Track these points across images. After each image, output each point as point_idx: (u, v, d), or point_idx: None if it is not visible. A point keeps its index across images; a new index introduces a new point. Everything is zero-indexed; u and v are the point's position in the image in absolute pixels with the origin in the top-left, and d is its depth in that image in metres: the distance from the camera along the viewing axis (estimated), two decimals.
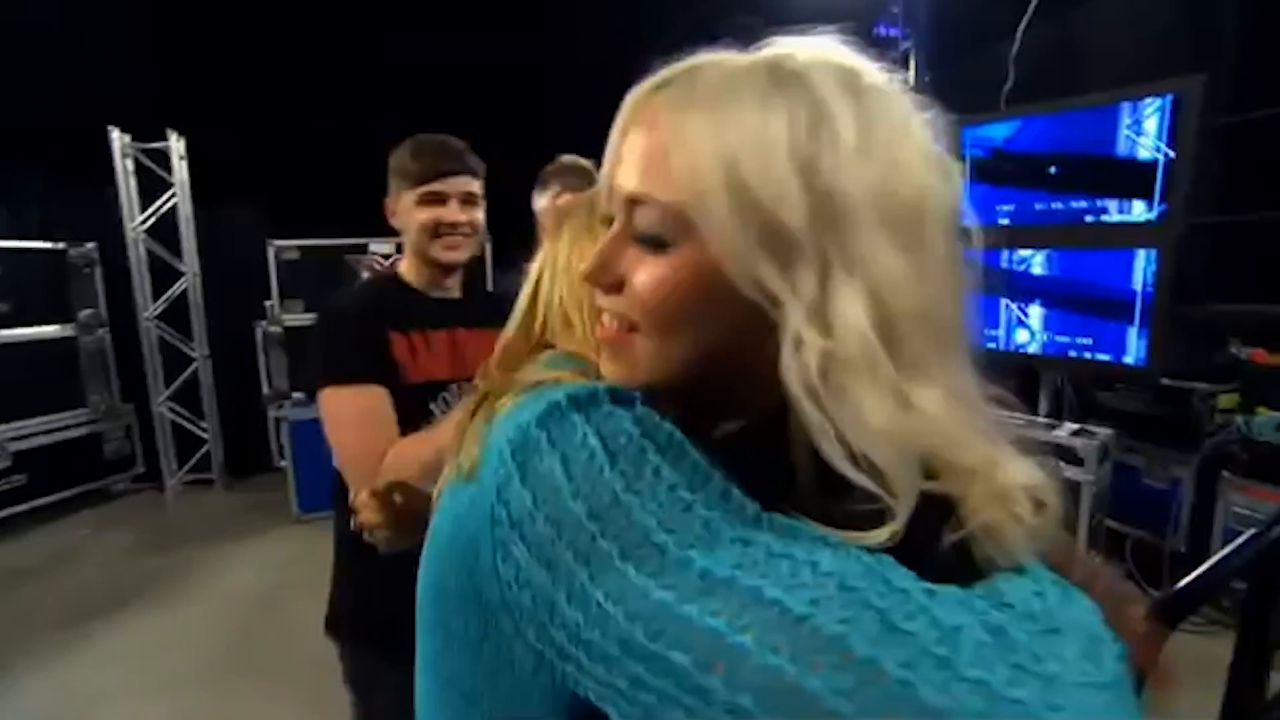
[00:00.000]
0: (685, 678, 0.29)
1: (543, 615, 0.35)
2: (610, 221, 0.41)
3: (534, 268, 0.54)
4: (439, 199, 1.11)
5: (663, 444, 0.35)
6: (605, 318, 0.42)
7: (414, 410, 1.07)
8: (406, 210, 1.13)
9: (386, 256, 4.09)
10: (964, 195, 0.38)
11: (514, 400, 0.42)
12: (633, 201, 0.39)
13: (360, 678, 1.14)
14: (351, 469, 1.03)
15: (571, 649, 0.34)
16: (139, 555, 3.29)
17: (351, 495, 0.98)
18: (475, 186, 1.15)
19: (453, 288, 1.20)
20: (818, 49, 0.39)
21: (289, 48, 4.09)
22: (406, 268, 1.18)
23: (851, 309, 0.34)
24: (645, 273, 0.38)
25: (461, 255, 1.15)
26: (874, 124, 0.36)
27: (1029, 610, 0.31)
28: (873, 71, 0.38)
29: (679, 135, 0.36)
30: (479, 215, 1.16)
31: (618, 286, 0.40)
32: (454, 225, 1.12)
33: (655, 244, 0.38)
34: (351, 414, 1.04)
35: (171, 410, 4.04)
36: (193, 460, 4.10)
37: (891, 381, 0.34)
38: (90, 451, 3.87)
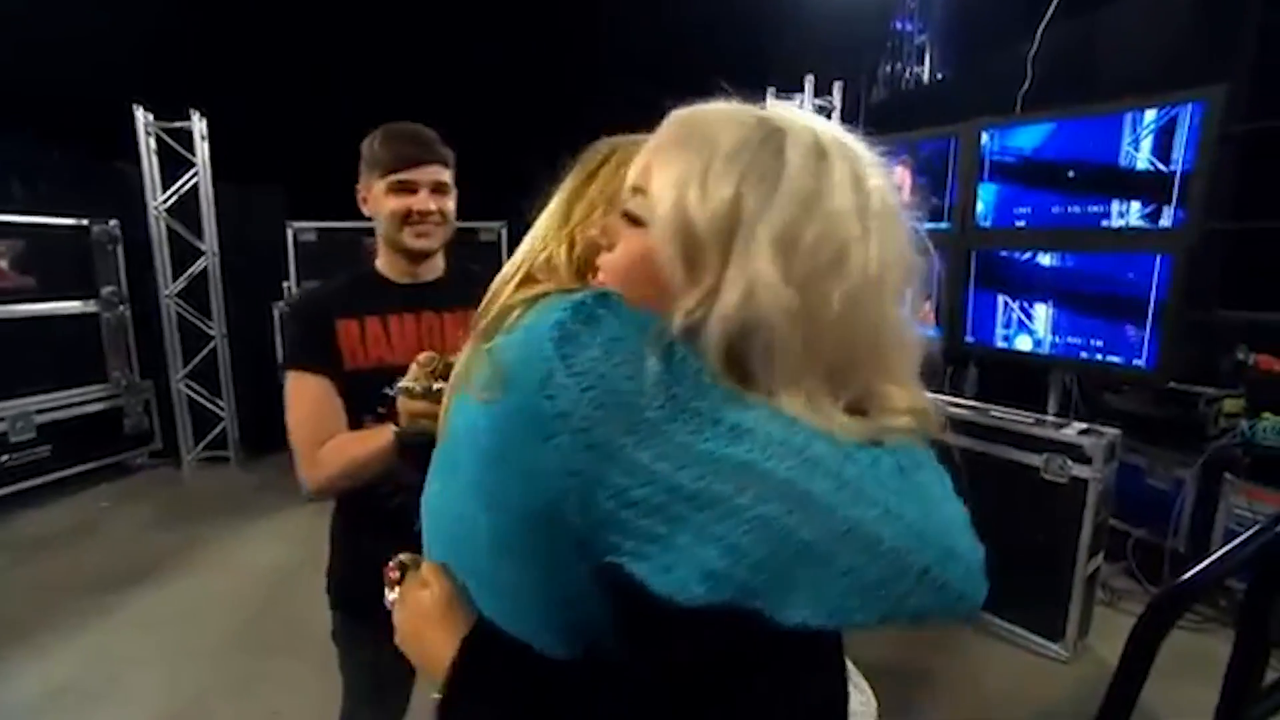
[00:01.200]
0: (725, 502, 0.40)
1: (588, 494, 0.42)
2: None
3: (539, 219, 0.65)
4: (409, 188, 1.12)
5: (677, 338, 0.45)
6: (601, 274, 0.54)
7: (365, 395, 1.10)
8: (377, 198, 1.13)
9: None
10: (886, 246, 0.48)
11: (523, 312, 0.50)
12: (637, 190, 0.51)
13: (343, 637, 1.25)
14: (295, 451, 1.08)
15: (618, 513, 0.42)
16: (157, 529, 3.36)
17: (299, 476, 1.07)
18: (446, 176, 1.15)
19: (425, 273, 1.20)
20: (797, 118, 0.50)
21: (314, 32, 4.12)
22: (380, 258, 1.20)
23: (721, 309, 0.45)
24: (624, 241, 0.51)
25: (432, 243, 1.16)
26: (801, 182, 0.46)
27: (898, 462, 0.45)
28: (838, 140, 0.49)
29: (668, 156, 0.49)
30: (449, 204, 1.17)
31: (610, 248, 0.53)
32: (424, 214, 1.12)
33: (636, 222, 0.50)
34: (297, 400, 1.09)
35: (189, 387, 4.11)
36: (209, 437, 4.17)
37: (717, 363, 0.45)
38: (110, 426, 3.94)
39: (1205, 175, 1.94)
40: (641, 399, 0.42)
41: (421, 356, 0.70)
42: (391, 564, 0.60)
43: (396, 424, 0.88)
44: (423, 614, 0.54)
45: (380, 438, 1.01)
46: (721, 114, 0.51)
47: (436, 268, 1.21)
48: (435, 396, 0.68)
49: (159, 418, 4.18)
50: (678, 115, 0.52)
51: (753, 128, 0.49)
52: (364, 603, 1.20)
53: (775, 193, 0.46)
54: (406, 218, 1.12)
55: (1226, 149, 2.15)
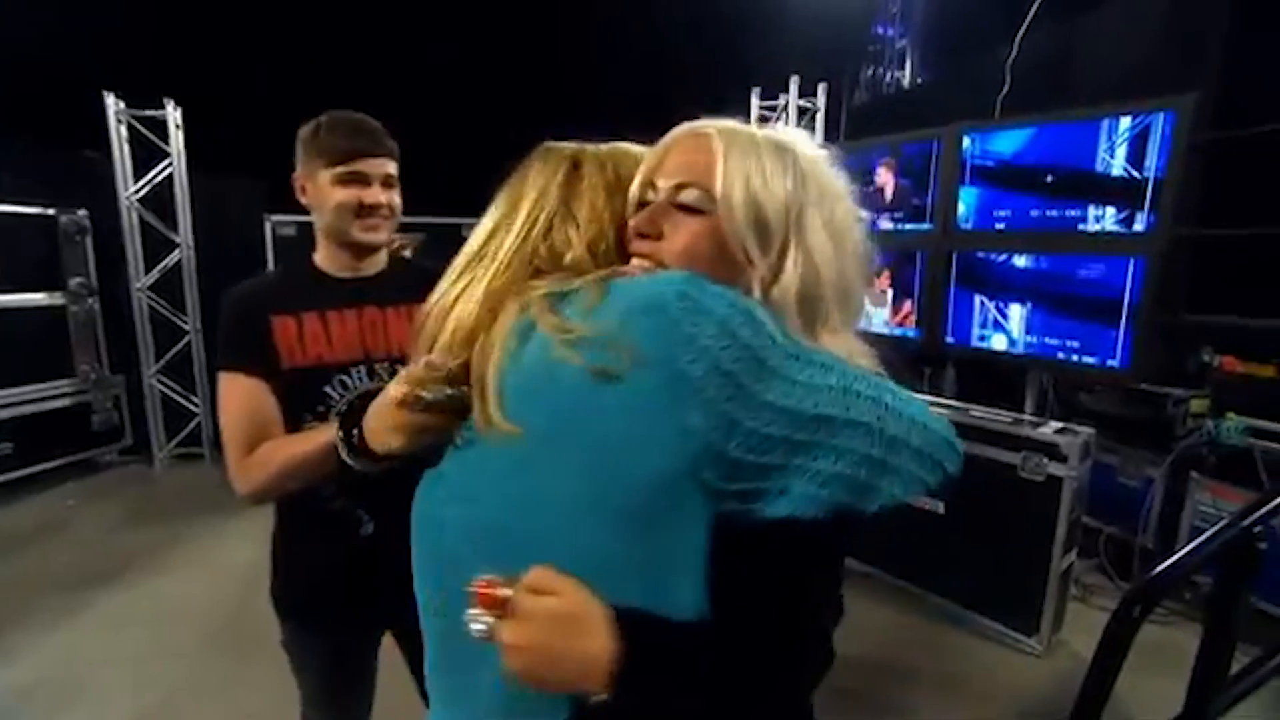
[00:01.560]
0: (836, 419, 0.51)
1: (722, 446, 0.50)
2: (642, 202, 0.64)
3: (519, 217, 0.66)
4: (361, 179, 1.08)
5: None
6: (636, 260, 0.62)
7: (304, 394, 1.07)
8: (322, 189, 1.08)
9: None
10: (866, 225, 0.65)
11: (598, 295, 0.55)
12: (682, 186, 0.61)
13: (294, 647, 1.23)
14: (227, 454, 1.05)
15: (743, 459, 0.51)
16: (128, 527, 3.28)
17: (232, 480, 1.03)
18: (393, 168, 1.13)
19: (367, 268, 1.15)
20: (803, 139, 0.64)
21: (298, 20, 4.03)
22: (320, 252, 1.15)
23: (791, 275, 0.59)
24: (684, 227, 0.60)
25: (381, 237, 1.12)
26: (826, 184, 0.62)
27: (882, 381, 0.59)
28: (826, 156, 0.64)
29: (725, 157, 0.60)
30: (397, 198, 1.14)
31: (658, 237, 0.61)
32: (375, 207, 1.09)
33: (693, 211, 0.60)
34: (229, 403, 1.05)
35: (161, 383, 4.01)
36: (183, 434, 4.08)
37: (794, 316, 0.59)
38: (78, 422, 3.83)
39: (1175, 181, 2.00)
40: (764, 350, 0.51)
41: (434, 359, 0.61)
42: (485, 583, 0.51)
43: (365, 446, 0.69)
44: (559, 622, 0.50)
45: (321, 436, 0.97)
46: (745, 128, 0.63)
47: (379, 262, 1.17)
48: (450, 403, 0.60)
49: (130, 414, 4.07)
50: (711, 126, 0.62)
51: (771, 141, 0.62)
52: (313, 609, 1.18)
53: (809, 189, 0.61)
54: (357, 211, 1.08)
55: (1192, 157, 2.22)
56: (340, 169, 1.07)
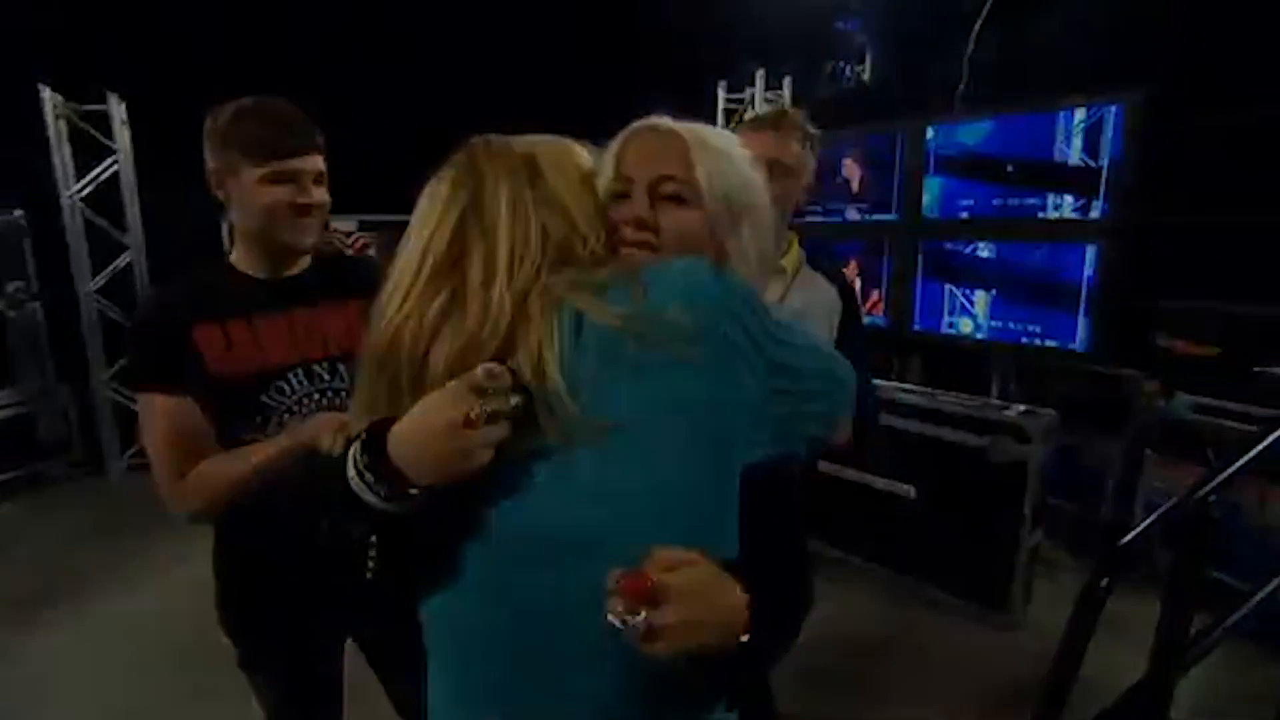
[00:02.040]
0: (810, 369, 0.63)
1: (757, 402, 0.59)
2: (618, 194, 0.68)
3: (499, 220, 0.63)
4: (292, 178, 1.01)
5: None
6: (637, 250, 0.67)
7: (240, 405, 1.02)
8: (248, 187, 1.00)
9: (349, 234, 3.99)
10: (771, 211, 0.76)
11: (637, 282, 0.60)
12: (667, 178, 0.67)
13: (251, 665, 1.18)
14: (157, 479, 0.99)
15: (767, 409, 0.59)
16: (82, 543, 3.13)
17: (165, 499, 0.99)
18: (322, 164, 1.06)
19: (294, 266, 1.10)
20: (731, 138, 0.74)
21: (247, 6, 3.88)
22: (238, 252, 1.07)
23: (751, 247, 0.70)
24: (674, 217, 0.67)
25: (311, 239, 1.06)
26: (752, 175, 0.72)
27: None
28: (746, 155, 0.74)
29: (700, 154, 0.68)
30: (327, 196, 1.08)
31: (656, 229, 0.67)
32: (307, 207, 1.03)
33: (680, 201, 0.68)
34: (152, 425, 0.99)
35: (115, 391, 3.83)
36: (138, 444, 3.91)
37: (757, 270, 0.72)
38: (20, 435, 3.64)
39: (1128, 170, 2.09)
40: (764, 318, 0.60)
41: (495, 368, 0.55)
42: (626, 576, 0.48)
43: (401, 482, 0.56)
44: (707, 587, 0.51)
45: (261, 454, 0.94)
46: (700, 126, 0.72)
47: (303, 260, 1.11)
48: (517, 412, 0.56)
49: (80, 424, 3.88)
50: (675, 125, 0.70)
51: (721, 138, 0.72)
52: (265, 620, 1.12)
53: (747, 179, 0.71)
54: (288, 211, 1.01)
55: (1139, 148, 2.31)
56: (269, 167, 0.99)
